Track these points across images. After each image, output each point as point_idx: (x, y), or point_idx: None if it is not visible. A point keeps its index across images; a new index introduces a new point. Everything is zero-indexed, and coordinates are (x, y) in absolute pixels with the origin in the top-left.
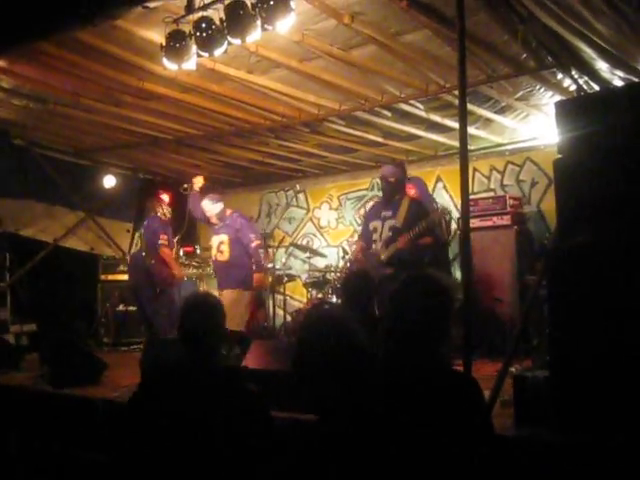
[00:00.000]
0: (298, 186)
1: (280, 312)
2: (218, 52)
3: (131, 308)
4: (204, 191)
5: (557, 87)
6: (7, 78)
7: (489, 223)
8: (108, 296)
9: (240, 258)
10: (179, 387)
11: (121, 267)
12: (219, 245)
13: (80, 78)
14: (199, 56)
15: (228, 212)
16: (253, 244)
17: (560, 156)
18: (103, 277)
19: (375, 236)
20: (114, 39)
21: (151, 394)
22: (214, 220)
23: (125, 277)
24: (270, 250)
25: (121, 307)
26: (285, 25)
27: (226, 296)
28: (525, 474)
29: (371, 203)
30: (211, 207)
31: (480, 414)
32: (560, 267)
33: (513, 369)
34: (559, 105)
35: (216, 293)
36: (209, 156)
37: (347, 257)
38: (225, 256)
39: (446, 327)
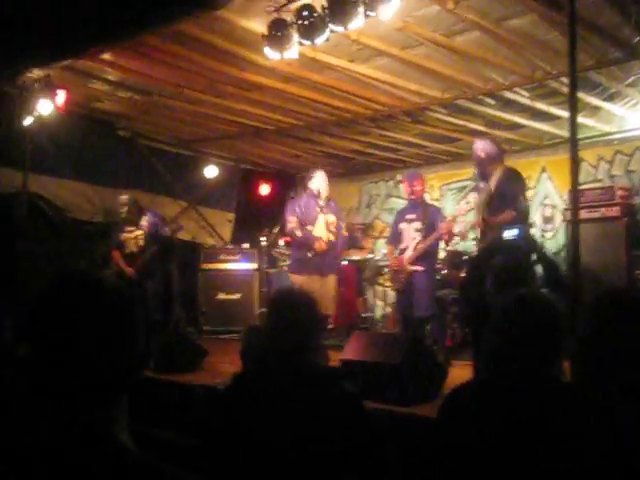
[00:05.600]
0: (399, 176)
1: (380, 303)
2: (320, 40)
3: (231, 297)
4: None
5: None
6: (113, 71)
7: (597, 214)
8: (209, 285)
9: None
10: (266, 386)
11: (222, 256)
12: (329, 225)
13: (183, 70)
14: (301, 45)
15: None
16: (345, 234)
17: None
18: (204, 266)
19: (476, 208)
20: (216, 30)
21: (239, 390)
22: (324, 193)
23: (226, 266)
24: (370, 241)
25: (221, 295)
26: (389, 11)
27: (332, 283)
28: None
29: None
30: (324, 181)
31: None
32: None
33: None
34: None
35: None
36: (310, 146)
37: (449, 246)
38: (334, 237)
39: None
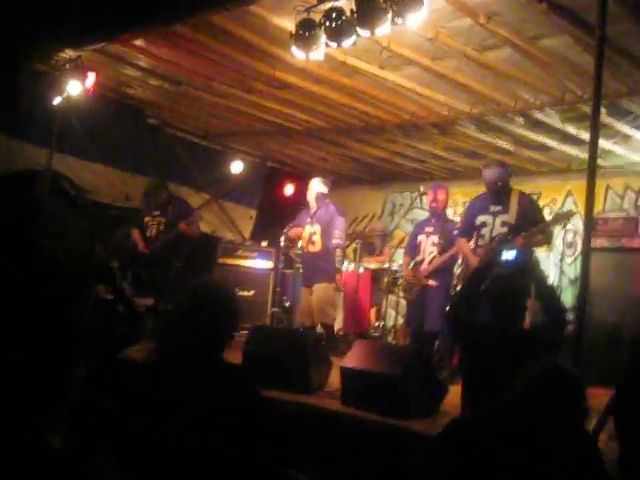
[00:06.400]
0: (422, 188)
1: (392, 313)
2: (347, 43)
3: (245, 294)
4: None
5: None
6: (144, 58)
7: (617, 244)
8: (224, 279)
9: (331, 251)
10: (176, 379)
11: (240, 252)
12: (311, 236)
13: (214, 62)
14: (327, 46)
15: (328, 201)
16: (334, 242)
17: None
18: (221, 260)
19: (484, 230)
20: (249, 25)
21: (152, 382)
22: (312, 202)
23: (243, 262)
24: (389, 250)
25: (236, 291)
26: (416, 20)
27: (318, 292)
28: None
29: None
30: (318, 187)
31: None
32: None
33: None
34: None
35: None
36: (336, 150)
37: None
38: (317, 247)
39: None
